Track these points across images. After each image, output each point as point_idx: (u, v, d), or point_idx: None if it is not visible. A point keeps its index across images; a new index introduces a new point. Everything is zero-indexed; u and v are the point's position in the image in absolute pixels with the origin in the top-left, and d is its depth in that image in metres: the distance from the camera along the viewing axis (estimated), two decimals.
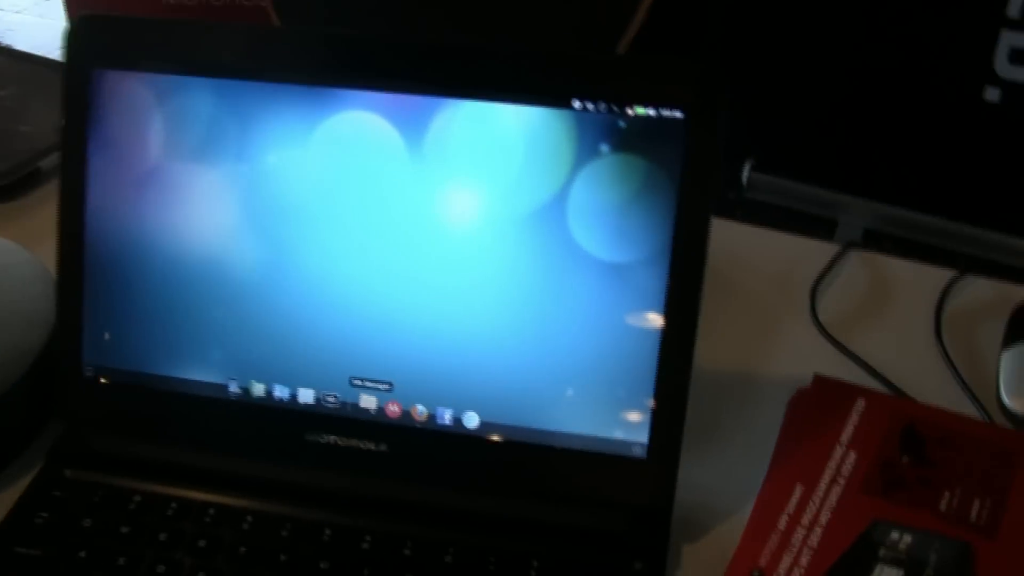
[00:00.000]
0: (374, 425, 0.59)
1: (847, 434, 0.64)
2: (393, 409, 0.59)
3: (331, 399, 0.60)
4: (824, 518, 0.59)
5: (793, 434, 0.64)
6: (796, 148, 1.17)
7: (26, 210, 0.84)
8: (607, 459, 0.58)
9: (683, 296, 0.56)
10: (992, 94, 1.08)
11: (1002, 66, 1.06)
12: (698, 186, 0.55)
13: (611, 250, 0.56)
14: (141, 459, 0.61)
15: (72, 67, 0.60)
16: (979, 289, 0.76)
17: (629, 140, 0.55)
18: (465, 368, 0.58)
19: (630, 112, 0.55)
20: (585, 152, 0.56)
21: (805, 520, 0.59)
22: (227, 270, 0.59)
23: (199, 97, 0.58)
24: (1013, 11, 1.03)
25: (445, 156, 0.57)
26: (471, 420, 0.59)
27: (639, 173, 0.55)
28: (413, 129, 0.57)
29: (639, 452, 0.57)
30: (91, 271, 0.61)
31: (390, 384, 0.59)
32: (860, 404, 0.65)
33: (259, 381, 0.60)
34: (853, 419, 0.64)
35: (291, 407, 0.60)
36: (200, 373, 0.60)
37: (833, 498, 0.60)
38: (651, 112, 0.55)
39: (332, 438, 0.60)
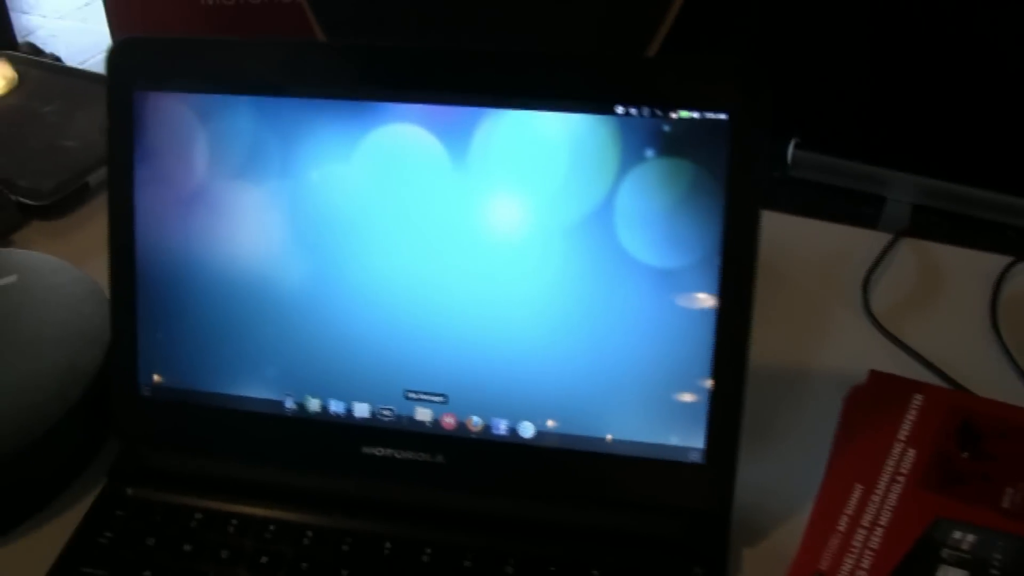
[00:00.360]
0: (430, 437, 0.59)
1: (905, 430, 0.62)
2: (448, 421, 0.59)
3: (386, 412, 0.59)
4: (884, 518, 0.58)
5: (850, 432, 0.63)
6: (841, 125, 1.15)
7: (75, 226, 0.85)
8: (664, 465, 0.57)
9: (735, 297, 0.55)
10: None
11: None
12: (746, 187, 0.54)
13: (660, 255, 0.55)
14: (200, 476, 0.62)
15: (115, 89, 0.59)
16: None
17: (674, 144, 0.54)
18: (519, 378, 0.57)
19: (674, 115, 0.54)
20: (630, 157, 0.55)
21: (866, 520, 0.58)
22: (277, 286, 0.59)
23: (241, 115, 0.58)
24: None
25: (489, 166, 0.56)
26: (526, 430, 0.58)
27: (685, 176, 0.54)
28: (456, 140, 0.56)
29: (696, 457, 0.57)
30: (143, 290, 0.61)
31: (445, 396, 0.58)
32: (917, 399, 0.64)
33: (314, 396, 0.60)
34: (911, 415, 0.63)
35: (347, 421, 0.60)
36: (255, 390, 0.60)
37: (893, 497, 0.59)
38: (695, 115, 0.54)
39: (388, 451, 0.59)
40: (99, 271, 0.70)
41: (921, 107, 1.10)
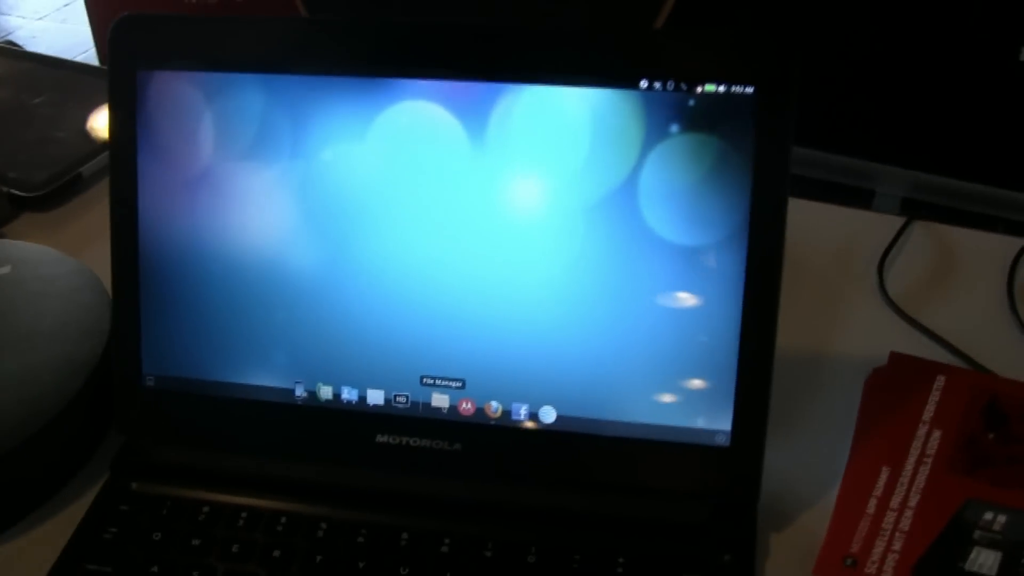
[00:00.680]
0: (447, 424, 0.57)
1: (929, 412, 0.61)
2: (466, 407, 0.56)
3: (402, 399, 0.57)
4: (913, 500, 0.56)
5: (873, 414, 0.61)
6: (829, 119, 1.13)
7: (69, 218, 0.82)
8: (689, 449, 0.55)
9: (763, 276, 0.53)
10: None
11: None
12: (773, 162, 0.52)
13: (685, 233, 0.53)
14: (207, 468, 0.59)
15: (116, 69, 0.57)
16: None
17: (699, 119, 0.52)
18: (539, 362, 0.55)
19: (699, 90, 0.52)
20: (654, 133, 0.53)
21: (894, 503, 0.56)
22: (287, 271, 0.57)
23: (249, 94, 0.56)
24: None
25: (509, 144, 0.54)
26: (547, 415, 0.56)
27: (711, 152, 0.52)
28: (474, 117, 0.54)
29: (722, 440, 0.55)
30: (146, 278, 0.58)
31: (462, 381, 0.56)
32: (940, 381, 0.62)
33: (326, 384, 0.57)
34: (934, 396, 0.61)
35: (360, 409, 0.57)
36: (264, 378, 0.58)
37: (921, 479, 0.57)
38: (721, 89, 0.52)
39: (404, 439, 0.57)
40: (94, 262, 0.67)
41: (909, 100, 1.09)
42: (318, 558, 0.55)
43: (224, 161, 0.56)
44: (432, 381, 0.56)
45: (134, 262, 0.58)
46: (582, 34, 0.53)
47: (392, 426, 0.57)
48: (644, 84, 0.52)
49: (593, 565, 0.54)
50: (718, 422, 0.54)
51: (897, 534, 0.55)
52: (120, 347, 0.59)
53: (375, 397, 0.57)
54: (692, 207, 0.53)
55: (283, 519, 0.56)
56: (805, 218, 0.76)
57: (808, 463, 0.59)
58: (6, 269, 0.68)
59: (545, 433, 0.56)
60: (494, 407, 0.56)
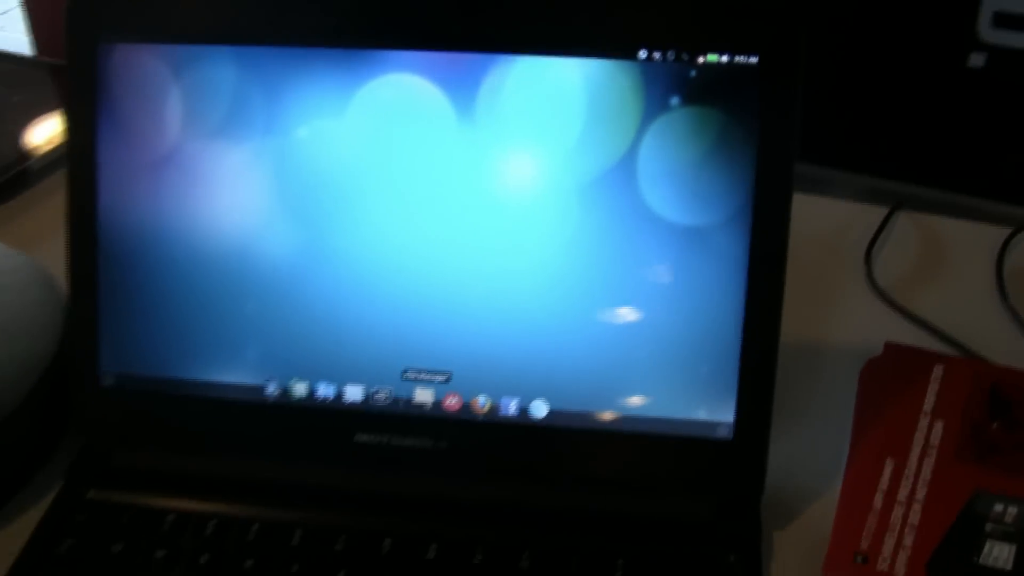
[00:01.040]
0: (431, 421, 0.52)
1: (930, 402, 0.57)
2: (452, 402, 0.52)
3: (382, 395, 0.52)
4: (921, 493, 0.53)
5: (871, 405, 0.58)
6: None
7: (16, 214, 0.76)
8: (690, 443, 0.51)
9: (767, 258, 0.49)
10: (977, 60, 1.03)
11: (986, 31, 1.01)
12: (779, 137, 0.49)
13: (687, 212, 0.49)
14: (171, 473, 0.54)
15: (75, 42, 0.52)
16: None
17: (701, 91, 0.49)
18: (530, 352, 0.51)
19: (701, 60, 0.48)
20: (654, 107, 0.49)
21: (902, 496, 0.53)
22: (259, 259, 0.52)
23: (219, 68, 0.51)
24: None
25: (499, 119, 0.50)
26: (539, 409, 0.52)
27: (714, 126, 0.49)
28: (461, 91, 0.50)
29: (725, 433, 0.51)
30: (105, 267, 0.53)
31: (448, 375, 0.52)
32: (938, 370, 0.59)
33: (300, 380, 0.53)
34: (933, 386, 0.58)
35: (337, 406, 0.52)
36: (233, 374, 0.53)
37: (927, 470, 0.54)
38: (724, 59, 0.48)
39: (385, 438, 0.52)
40: (46, 259, 0.62)
41: (859, 104, 1.07)
42: (294, 567, 0.50)
43: (191, 140, 0.51)
44: (415, 375, 0.52)
45: (92, 250, 0.53)
46: (576, 1, 0.49)
47: (372, 424, 0.52)
48: (643, 54, 0.49)
49: (591, 569, 0.49)
50: (720, 413, 0.51)
51: (907, 528, 0.51)
52: (76, 343, 0.54)
53: (353, 393, 0.52)
54: (693, 185, 0.49)
55: (255, 526, 0.51)
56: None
57: (807, 456, 0.56)
58: None
59: (537, 429, 0.52)
60: (482, 402, 0.52)
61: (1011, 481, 0.53)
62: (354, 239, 0.51)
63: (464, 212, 0.50)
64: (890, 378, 0.59)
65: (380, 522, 0.52)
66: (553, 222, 0.50)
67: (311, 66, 0.50)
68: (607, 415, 0.51)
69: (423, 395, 0.52)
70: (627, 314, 0.50)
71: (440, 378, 0.52)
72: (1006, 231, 0.70)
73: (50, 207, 0.76)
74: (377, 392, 0.52)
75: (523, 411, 0.52)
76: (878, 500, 0.53)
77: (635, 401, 0.51)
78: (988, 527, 0.51)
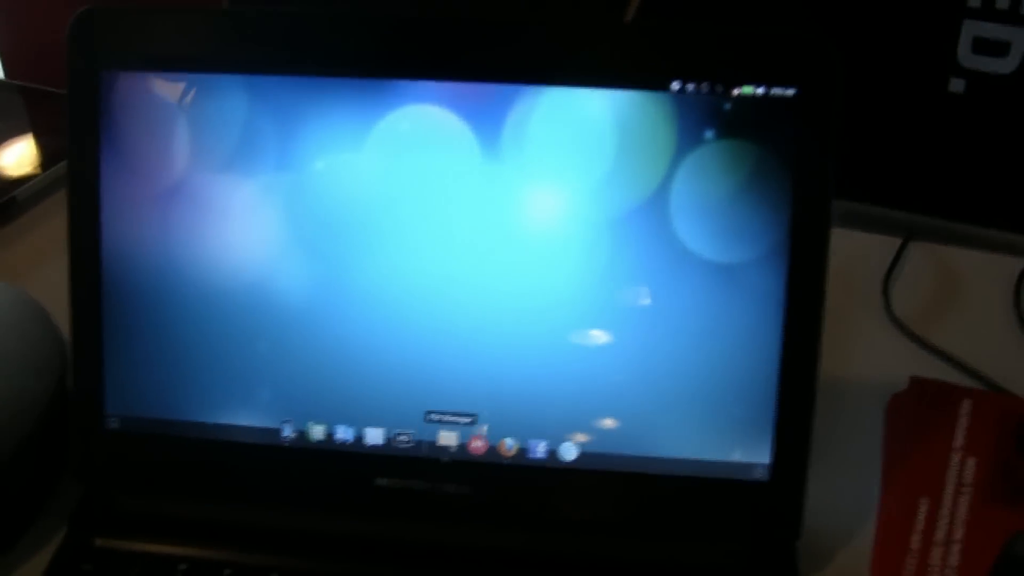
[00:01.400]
0: (456, 465, 0.49)
1: (959, 439, 0.55)
2: (477, 445, 0.49)
3: (404, 438, 0.49)
4: (958, 533, 0.51)
5: (899, 442, 0.56)
6: None
7: (5, 245, 0.72)
8: (725, 485, 0.48)
9: (805, 296, 0.47)
10: (957, 85, 1.02)
11: (965, 56, 1.00)
12: (816, 171, 0.46)
13: (721, 249, 0.47)
14: (183, 520, 0.51)
15: (77, 71, 0.49)
16: None
17: (736, 124, 0.46)
18: (560, 393, 0.48)
19: (735, 92, 0.46)
20: (687, 140, 0.46)
21: (939, 537, 0.51)
22: (273, 296, 0.49)
23: (230, 97, 0.48)
24: (974, 0, 0.97)
25: (525, 153, 0.47)
26: (569, 452, 0.49)
27: (749, 160, 0.46)
28: (486, 123, 0.47)
29: (761, 475, 0.48)
30: (110, 305, 0.50)
31: (473, 417, 0.49)
32: (966, 405, 0.57)
33: (318, 422, 0.50)
34: (962, 422, 0.56)
35: (357, 450, 0.50)
36: (247, 417, 0.50)
37: (962, 510, 0.52)
38: (759, 91, 0.46)
39: (407, 482, 0.49)
40: (36, 293, 0.58)
41: (850, 133, 1.05)
42: None
43: (200, 173, 0.48)
44: (439, 417, 0.49)
45: (96, 287, 0.50)
46: (606, 31, 0.47)
47: (393, 468, 0.49)
48: (676, 86, 0.46)
49: None
50: (756, 455, 0.48)
51: (947, 570, 0.49)
52: (80, 385, 0.51)
53: (374, 436, 0.50)
54: (729, 221, 0.47)
55: (272, 575, 0.49)
56: None
57: (837, 495, 0.54)
58: None
59: (566, 472, 0.49)
60: (509, 445, 0.49)
61: None
62: (373, 276, 0.48)
63: (489, 248, 0.48)
64: (917, 413, 0.57)
65: (401, 570, 0.49)
66: (583, 259, 0.47)
67: (327, 96, 0.48)
68: (639, 457, 0.49)
69: (447, 438, 0.49)
70: (659, 352, 0.48)
71: (465, 420, 0.49)
72: (1021, 261, 0.68)
73: (41, 238, 0.73)
74: (399, 435, 0.49)
75: (552, 453, 0.49)
76: (915, 541, 0.51)
77: (668, 443, 0.48)
78: None
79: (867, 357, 0.62)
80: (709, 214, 0.47)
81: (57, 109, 0.84)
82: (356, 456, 0.50)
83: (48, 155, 0.79)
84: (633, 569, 0.49)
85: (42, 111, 0.86)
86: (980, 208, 0.90)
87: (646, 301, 0.47)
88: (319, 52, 0.48)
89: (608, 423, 0.48)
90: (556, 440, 0.49)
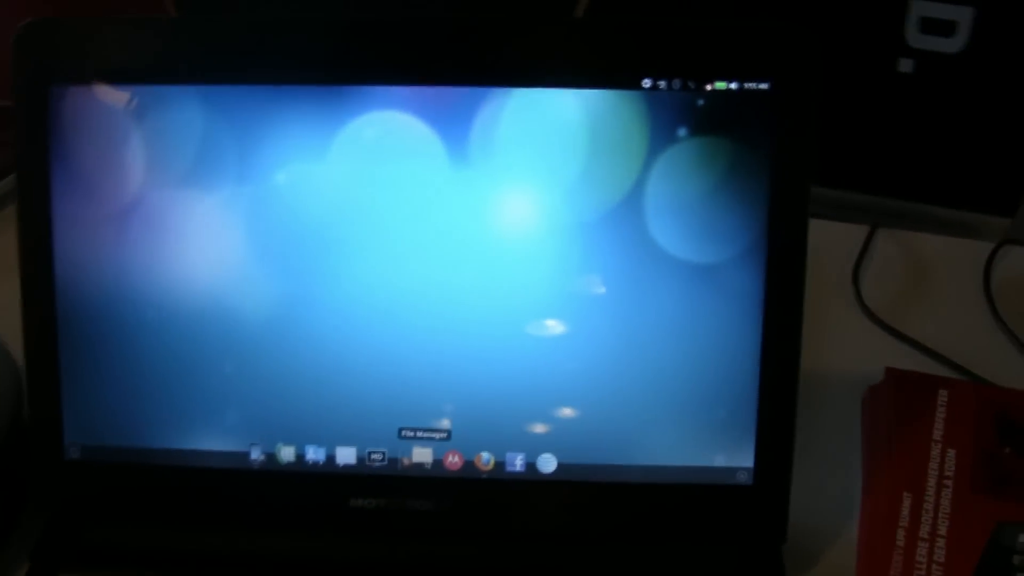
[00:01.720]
0: (432, 481, 0.47)
1: (939, 430, 0.54)
2: (453, 460, 0.47)
3: (378, 456, 0.47)
4: (943, 527, 0.50)
5: (878, 435, 0.54)
6: None
7: None
8: (708, 490, 0.47)
9: (784, 294, 0.46)
10: (906, 65, 1.01)
11: (913, 36, 1.00)
12: (793, 166, 0.45)
13: (698, 250, 0.45)
14: (150, 550, 0.48)
15: (24, 85, 0.46)
16: (1018, 257, 0.68)
17: (710, 120, 0.45)
18: (536, 404, 0.46)
19: (709, 87, 0.44)
20: (660, 138, 0.45)
21: (924, 532, 0.49)
22: (236, 315, 0.46)
23: (186, 109, 0.45)
24: None
25: (494, 157, 0.45)
26: (547, 464, 0.47)
27: (725, 157, 0.45)
28: (453, 127, 0.45)
29: (744, 478, 0.47)
30: (65, 330, 0.47)
31: (447, 432, 0.47)
32: (943, 395, 0.56)
33: (287, 444, 0.47)
34: (940, 412, 0.55)
35: (329, 470, 0.47)
36: (213, 441, 0.47)
37: (946, 503, 0.51)
38: (733, 85, 0.44)
39: (382, 501, 0.47)
40: None
41: None
42: None
43: (157, 190, 0.46)
44: (412, 433, 0.47)
45: (50, 311, 0.47)
46: (574, 27, 0.45)
47: (368, 487, 0.47)
48: (647, 83, 0.44)
49: None
50: (739, 459, 0.47)
51: (934, 566, 0.48)
52: (37, 414, 0.48)
53: (346, 456, 0.47)
54: (705, 220, 0.45)
55: None
56: None
57: (817, 492, 0.52)
58: None
59: (545, 484, 0.47)
60: (485, 459, 0.47)
61: None
62: (340, 290, 0.46)
63: (459, 257, 0.46)
64: (894, 405, 0.56)
65: None
66: (555, 264, 0.45)
67: (287, 105, 0.45)
68: (619, 466, 0.47)
69: (422, 454, 0.47)
70: (637, 357, 0.46)
71: (439, 435, 0.47)
72: (988, 245, 0.67)
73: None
74: (372, 453, 0.47)
75: (530, 466, 0.47)
76: (900, 537, 0.49)
77: (649, 449, 0.47)
78: (1016, 560, 0.48)
79: (840, 349, 0.61)
80: (685, 214, 0.45)
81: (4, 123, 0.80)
82: (328, 477, 0.47)
83: None
84: None
85: None
86: (935, 187, 0.89)
87: (623, 306, 0.46)
88: (277, 59, 0.45)
89: (586, 433, 0.47)
90: (533, 452, 0.47)
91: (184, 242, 0.46)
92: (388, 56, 0.45)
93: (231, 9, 0.88)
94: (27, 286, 0.47)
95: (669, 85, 0.44)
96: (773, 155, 0.45)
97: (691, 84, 0.44)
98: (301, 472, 0.47)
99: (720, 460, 0.47)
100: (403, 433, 0.47)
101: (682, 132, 0.45)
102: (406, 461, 0.47)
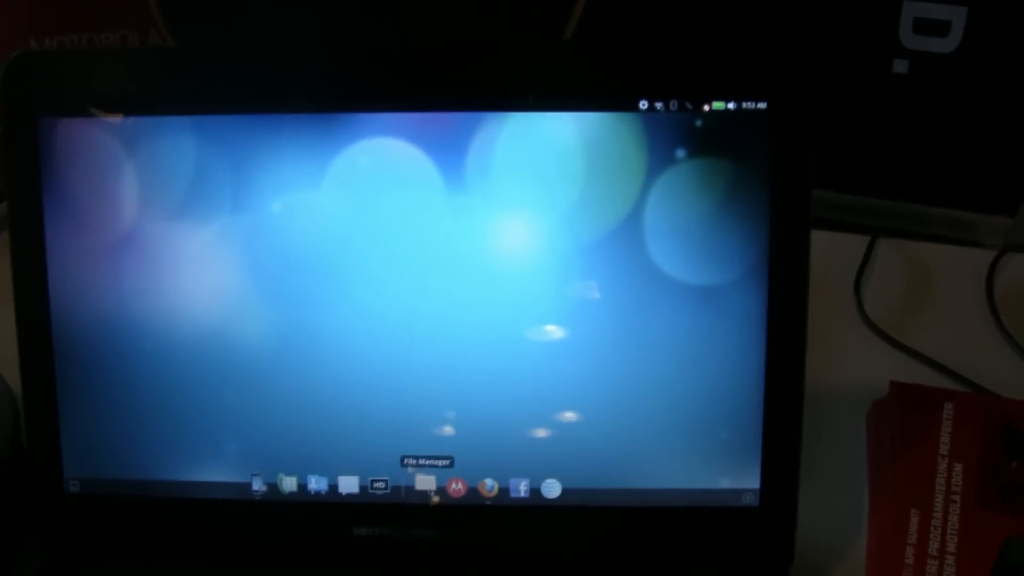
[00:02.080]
0: (435, 509, 0.46)
1: (945, 444, 0.53)
2: (457, 488, 0.47)
3: (380, 485, 0.47)
4: (951, 544, 0.49)
5: (884, 451, 0.54)
6: None
7: None
8: (715, 513, 0.46)
9: (787, 314, 0.45)
10: (900, 66, 1.01)
11: (907, 37, 0.99)
12: (793, 186, 0.44)
13: (699, 271, 0.45)
14: None
15: (13, 117, 0.45)
16: (1020, 265, 0.67)
17: (708, 141, 0.44)
18: (539, 430, 0.46)
19: (706, 108, 0.44)
20: (658, 160, 0.44)
21: (932, 549, 0.49)
22: (235, 346, 0.46)
23: (178, 140, 0.45)
24: None
25: (491, 182, 0.44)
26: (551, 489, 0.46)
27: (724, 177, 0.44)
28: (449, 154, 0.44)
29: (751, 500, 0.46)
30: (62, 363, 0.46)
31: (450, 459, 0.46)
32: (949, 408, 0.55)
33: (289, 474, 0.47)
34: (946, 426, 0.54)
35: (331, 500, 0.47)
36: (214, 472, 0.47)
37: (954, 519, 0.50)
38: (731, 106, 0.44)
39: (385, 530, 0.47)
40: None
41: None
42: None
43: (151, 222, 0.45)
44: (415, 461, 0.46)
45: (47, 344, 0.46)
46: (569, 50, 0.45)
47: (371, 516, 0.47)
48: (644, 105, 0.44)
49: None
50: (745, 480, 0.46)
51: None
52: (35, 448, 0.47)
53: (348, 485, 0.47)
54: (705, 241, 0.44)
55: None
56: None
57: (824, 510, 0.51)
58: None
59: (550, 510, 0.46)
60: (489, 485, 0.47)
61: None
62: (339, 319, 0.45)
63: (458, 284, 0.45)
64: (899, 419, 0.55)
65: None
66: (555, 289, 0.45)
67: (281, 134, 0.44)
68: (624, 490, 0.46)
69: (425, 482, 0.46)
70: (640, 382, 0.45)
71: (442, 463, 0.46)
72: (989, 254, 0.67)
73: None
74: (375, 482, 0.47)
75: (535, 492, 0.46)
76: (909, 555, 0.49)
77: (654, 473, 0.46)
78: None
79: (843, 362, 0.60)
80: (685, 236, 0.44)
81: None
82: (331, 506, 0.47)
83: None
84: None
85: None
86: (933, 188, 0.89)
87: (625, 330, 0.45)
88: (270, 88, 0.45)
89: (590, 457, 0.46)
90: (538, 478, 0.46)
91: (180, 272, 0.46)
92: (382, 83, 0.44)
93: (222, 26, 0.87)
94: (22, 319, 0.46)
95: (666, 106, 0.44)
96: (772, 175, 0.44)
97: (688, 105, 0.44)
98: (303, 502, 0.47)
99: (726, 482, 0.46)
100: (406, 461, 0.46)
101: (680, 153, 0.44)
102: (409, 489, 0.47)
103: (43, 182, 0.45)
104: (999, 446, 0.53)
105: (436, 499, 0.46)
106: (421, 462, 0.46)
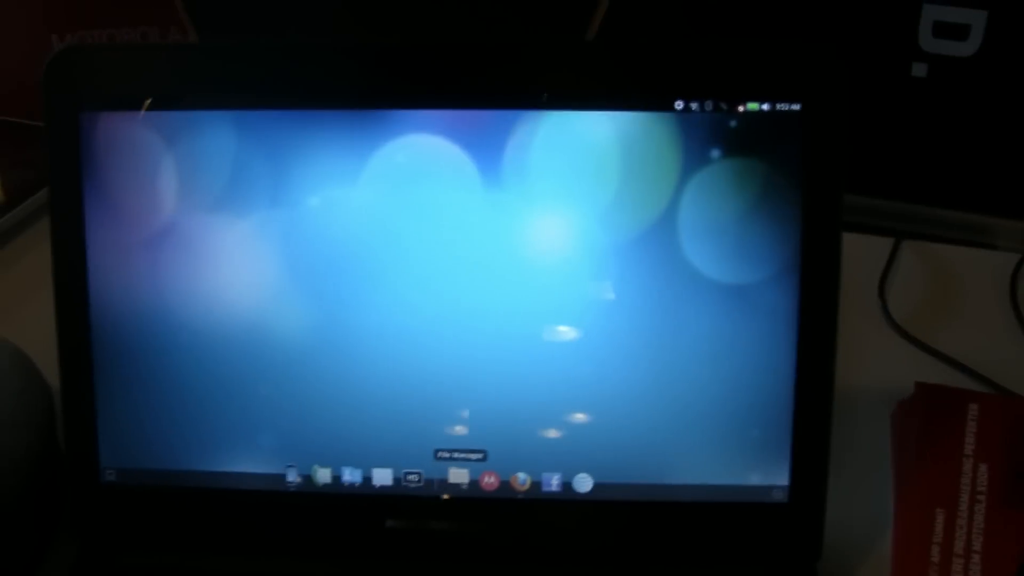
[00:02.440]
0: (468, 502, 0.47)
1: (970, 445, 0.54)
2: (489, 481, 0.47)
3: (414, 477, 0.47)
4: (977, 543, 0.50)
5: (909, 451, 0.54)
6: None
7: None
8: (744, 509, 0.47)
9: (818, 313, 0.46)
10: (919, 69, 1.01)
11: (926, 40, 1.00)
12: (826, 186, 0.45)
13: (732, 270, 0.45)
14: (185, 573, 0.48)
15: (55, 112, 0.46)
16: None
17: (743, 141, 0.45)
18: (571, 424, 0.47)
19: (741, 109, 0.45)
20: (693, 160, 0.45)
21: (958, 548, 0.49)
22: (271, 338, 0.47)
23: (218, 135, 0.46)
24: None
25: (527, 180, 0.45)
26: (583, 483, 0.47)
27: (757, 177, 0.45)
28: (486, 151, 0.45)
29: (780, 496, 0.47)
30: (100, 354, 0.47)
31: (483, 453, 0.47)
32: (973, 409, 0.56)
33: (323, 465, 0.48)
34: (971, 427, 0.55)
35: (365, 492, 0.47)
36: (249, 464, 0.48)
37: (980, 519, 0.51)
38: (765, 107, 0.45)
39: (419, 523, 0.47)
40: (15, 334, 0.55)
41: None
42: None
43: (191, 214, 0.46)
44: (448, 455, 0.47)
45: (85, 335, 0.47)
46: (606, 51, 0.45)
47: (404, 509, 0.47)
48: (679, 105, 0.45)
49: None
50: (775, 477, 0.47)
51: None
52: (72, 438, 0.48)
53: (382, 477, 0.47)
54: (738, 240, 0.45)
55: None
56: None
57: (849, 508, 0.52)
58: None
59: (581, 504, 0.47)
60: (521, 479, 0.47)
61: None
62: (375, 313, 0.46)
63: (493, 279, 0.46)
64: (924, 420, 0.56)
65: None
66: (589, 286, 0.46)
67: (320, 130, 0.45)
68: (655, 485, 0.47)
69: (458, 475, 0.47)
70: (672, 378, 0.46)
71: (475, 457, 0.47)
72: (1013, 257, 0.67)
73: (13, 281, 0.70)
74: (408, 475, 0.47)
75: (566, 486, 0.47)
76: (935, 554, 0.49)
77: (684, 469, 0.47)
78: None
79: (868, 363, 0.61)
80: (718, 235, 0.45)
81: (25, 141, 0.81)
82: (365, 498, 0.47)
83: (18, 189, 0.76)
84: None
85: (10, 144, 0.83)
86: (952, 191, 0.89)
87: (659, 328, 0.46)
88: (309, 84, 0.46)
89: (622, 452, 0.47)
90: (570, 472, 0.47)
91: (218, 266, 0.46)
92: (420, 80, 0.45)
93: (249, 27, 0.88)
94: (61, 311, 0.47)
95: (701, 107, 0.44)
96: (805, 175, 0.45)
97: (723, 106, 0.44)
98: (337, 494, 0.48)
99: (755, 478, 0.47)
100: (439, 455, 0.47)
101: (715, 153, 0.45)
102: (442, 482, 0.47)
103: (84, 175, 0.46)
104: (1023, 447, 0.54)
105: (469, 492, 0.47)
106: (455, 455, 0.47)
